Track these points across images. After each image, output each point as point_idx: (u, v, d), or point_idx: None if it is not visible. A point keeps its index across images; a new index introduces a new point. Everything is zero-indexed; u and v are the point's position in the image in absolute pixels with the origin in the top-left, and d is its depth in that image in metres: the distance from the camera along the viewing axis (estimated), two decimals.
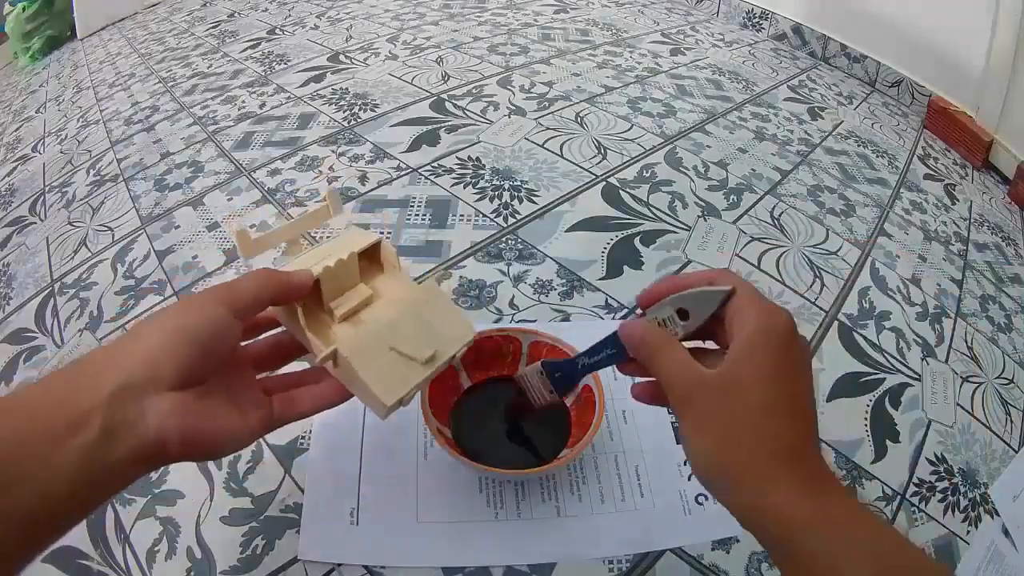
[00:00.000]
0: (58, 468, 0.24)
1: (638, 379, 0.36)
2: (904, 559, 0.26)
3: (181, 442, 0.28)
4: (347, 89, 1.10)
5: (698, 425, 0.30)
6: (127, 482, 0.28)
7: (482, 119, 1.00)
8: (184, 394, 0.28)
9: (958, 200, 1.04)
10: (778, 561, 0.28)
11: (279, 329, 0.39)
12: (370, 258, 0.41)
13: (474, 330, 0.39)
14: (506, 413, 0.47)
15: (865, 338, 0.68)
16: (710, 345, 0.34)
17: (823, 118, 1.17)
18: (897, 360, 0.67)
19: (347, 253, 0.38)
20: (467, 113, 1.02)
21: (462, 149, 0.91)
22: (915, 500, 0.55)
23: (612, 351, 0.36)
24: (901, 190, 1.00)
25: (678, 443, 0.53)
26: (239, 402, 0.32)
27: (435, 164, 0.88)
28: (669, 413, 0.55)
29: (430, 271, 0.67)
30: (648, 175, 0.89)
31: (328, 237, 0.51)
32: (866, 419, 0.60)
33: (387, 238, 0.43)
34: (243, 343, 0.37)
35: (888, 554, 0.26)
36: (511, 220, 0.77)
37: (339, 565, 0.44)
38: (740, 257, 0.76)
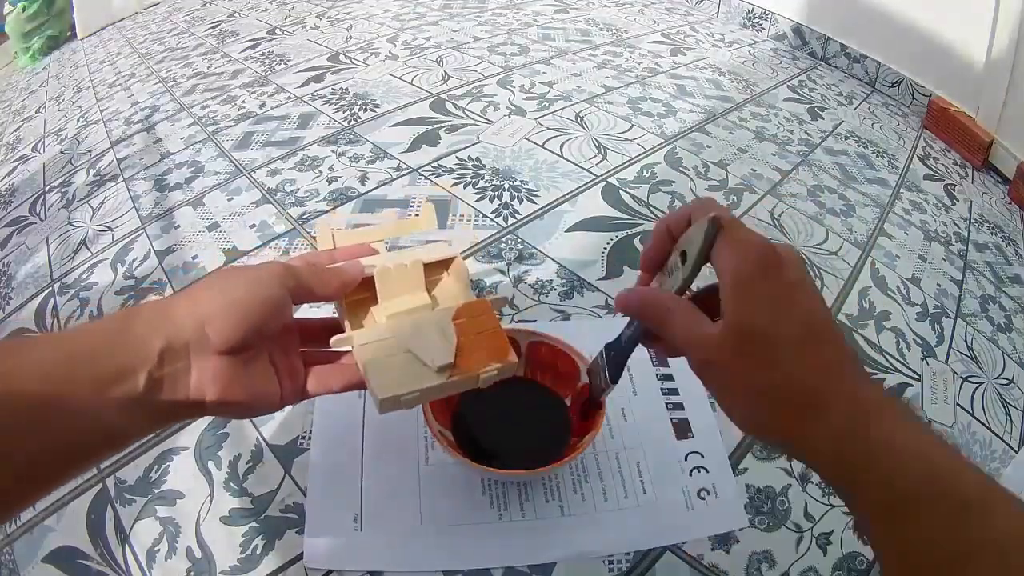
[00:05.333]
0: (103, 409, 0.26)
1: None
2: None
3: (217, 403, 0.30)
4: (347, 89, 1.10)
5: (724, 389, 0.28)
6: (163, 427, 0.31)
7: (482, 119, 1.00)
8: (227, 359, 0.30)
9: (958, 200, 1.04)
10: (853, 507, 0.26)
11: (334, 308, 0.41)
12: (443, 271, 0.42)
13: (517, 363, 0.39)
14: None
15: (865, 338, 0.68)
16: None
17: (823, 118, 1.17)
18: (897, 360, 0.67)
19: (410, 261, 0.39)
20: (467, 113, 1.02)
21: (462, 149, 0.91)
22: None
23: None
24: (901, 190, 1.00)
25: (679, 439, 0.53)
26: (278, 369, 0.34)
27: (435, 164, 0.88)
28: (668, 409, 0.55)
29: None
30: (648, 175, 0.89)
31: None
32: None
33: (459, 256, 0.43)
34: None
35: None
36: (511, 220, 0.77)
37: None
38: None
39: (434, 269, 0.41)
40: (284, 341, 0.35)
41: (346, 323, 0.38)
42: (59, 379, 0.26)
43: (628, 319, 0.34)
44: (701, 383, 0.29)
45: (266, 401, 0.33)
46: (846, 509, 0.38)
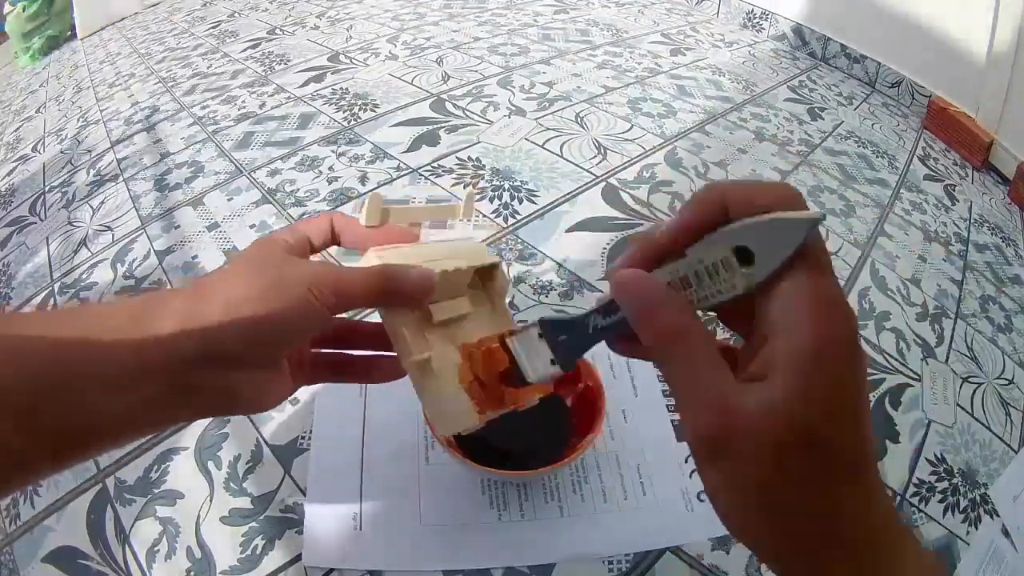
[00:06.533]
0: (113, 408, 0.25)
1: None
2: None
3: (226, 407, 0.29)
4: (347, 89, 1.10)
5: (733, 485, 0.21)
6: (172, 426, 0.29)
7: (482, 119, 1.00)
8: (244, 372, 0.27)
9: (958, 200, 1.04)
10: None
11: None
12: (480, 276, 0.38)
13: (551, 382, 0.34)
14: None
15: (865, 339, 0.68)
16: None
17: (823, 118, 1.17)
18: (897, 360, 0.67)
19: (465, 264, 0.35)
20: (467, 113, 1.02)
21: (462, 149, 0.91)
22: (915, 500, 0.55)
23: None
24: (901, 190, 1.00)
25: (679, 441, 0.53)
26: (284, 368, 0.31)
27: (435, 164, 0.88)
28: (669, 410, 0.55)
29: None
30: (648, 175, 0.89)
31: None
32: None
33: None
34: None
35: None
36: (511, 220, 0.77)
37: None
38: None
39: (466, 274, 0.37)
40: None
41: (407, 333, 0.32)
42: (73, 370, 0.24)
43: (609, 301, 0.25)
44: (697, 463, 0.22)
45: (272, 400, 0.31)
46: None
